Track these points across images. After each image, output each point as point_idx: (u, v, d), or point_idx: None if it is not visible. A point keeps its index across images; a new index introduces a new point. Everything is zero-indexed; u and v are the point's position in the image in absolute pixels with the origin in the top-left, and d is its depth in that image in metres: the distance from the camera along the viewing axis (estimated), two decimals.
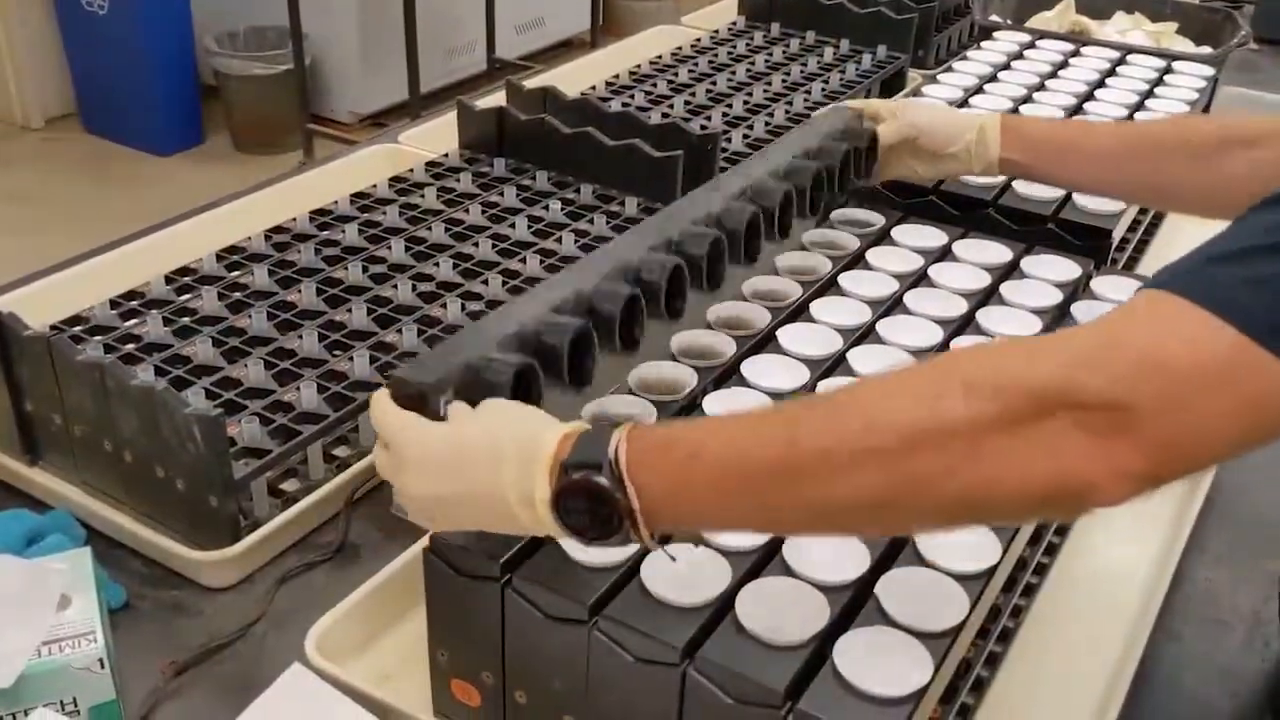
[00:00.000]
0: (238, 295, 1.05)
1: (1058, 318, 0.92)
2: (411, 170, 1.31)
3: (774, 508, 0.55)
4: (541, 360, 0.72)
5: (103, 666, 0.70)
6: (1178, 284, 0.53)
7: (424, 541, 0.81)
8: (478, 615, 0.67)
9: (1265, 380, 0.49)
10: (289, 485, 0.92)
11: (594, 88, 1.56)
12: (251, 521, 0.87)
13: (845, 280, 0.95)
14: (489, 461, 0.59)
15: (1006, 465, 0.51)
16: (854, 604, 0.64)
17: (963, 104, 1.33)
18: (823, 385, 0.82)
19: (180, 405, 0.81)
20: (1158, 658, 0.80)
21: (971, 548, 0.67)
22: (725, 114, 1.49)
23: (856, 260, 0.99)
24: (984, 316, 0.91)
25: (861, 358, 0.85)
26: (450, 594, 0.68)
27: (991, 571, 0.67)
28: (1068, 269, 0.98)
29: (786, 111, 1.50)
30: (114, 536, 0.88)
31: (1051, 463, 0.50)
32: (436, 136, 1.47)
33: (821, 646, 0.61)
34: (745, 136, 1.43)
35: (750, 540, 0.67)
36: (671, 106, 1.50)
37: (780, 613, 0.62)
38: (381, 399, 0.66)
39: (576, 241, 1.17)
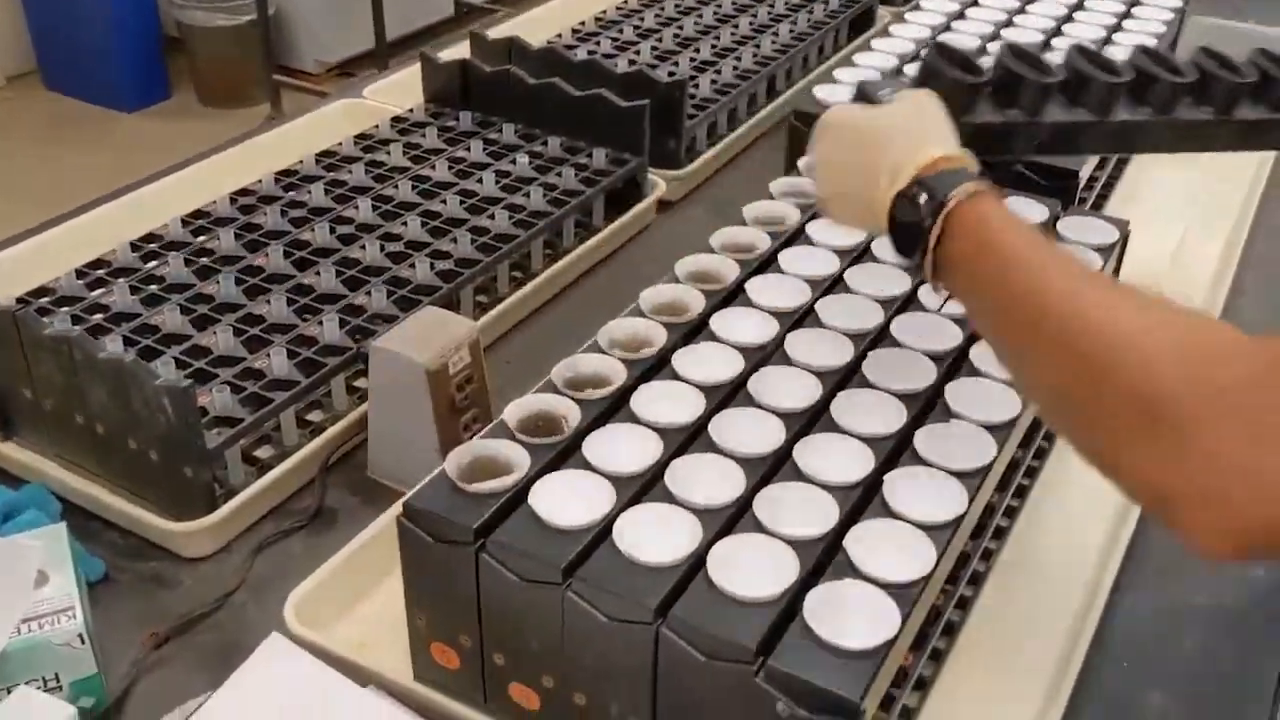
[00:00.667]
0: (205, 261, 1.04)
1: None
2: (377, 126, 1.30)
3: (1017, 346, 0.64)
4: None
5: (83, 642, 0.71)
6: None
7: (398, 507, 0.82)
8: (453, 580, 0.67)
9: None
10: (263, 452, 0.92)
11: (560, 35, 1.55)
12: (227, 490, 0.87)
13: (813, 229, 0.95)
14: (880, 140, 0.72)
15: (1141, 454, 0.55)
16: (824, 558, 0.65)
17: (929, 42, 1.31)
18: (791, 338, 0.82)
19: (150, 377, 0.81)
20: (1126, 586, 0.82)
21: (939, 499, 0.68)
22: (693, 59, 1.48)
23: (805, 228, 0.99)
24: None
25: (830, 308, 0.85)
26: (425, 560, 0.68)
27: (958, 521, 0.67)
28: (1036, 211, 0.98)
29: (754, 55, 1.49)
30: (91, 509, 0.88)
31: (1178, 468, 0.53)
32: (402, 89, 1.45)
33: (792, 601, 0.62)
34: (713, 82, 1.42)
35: (724, 496, 0.67)
36: (638, 53, 1.49)
37: (751, 569, 0.63)
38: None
39: (545, 196, 1.16)
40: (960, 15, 1.41)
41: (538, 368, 1.02)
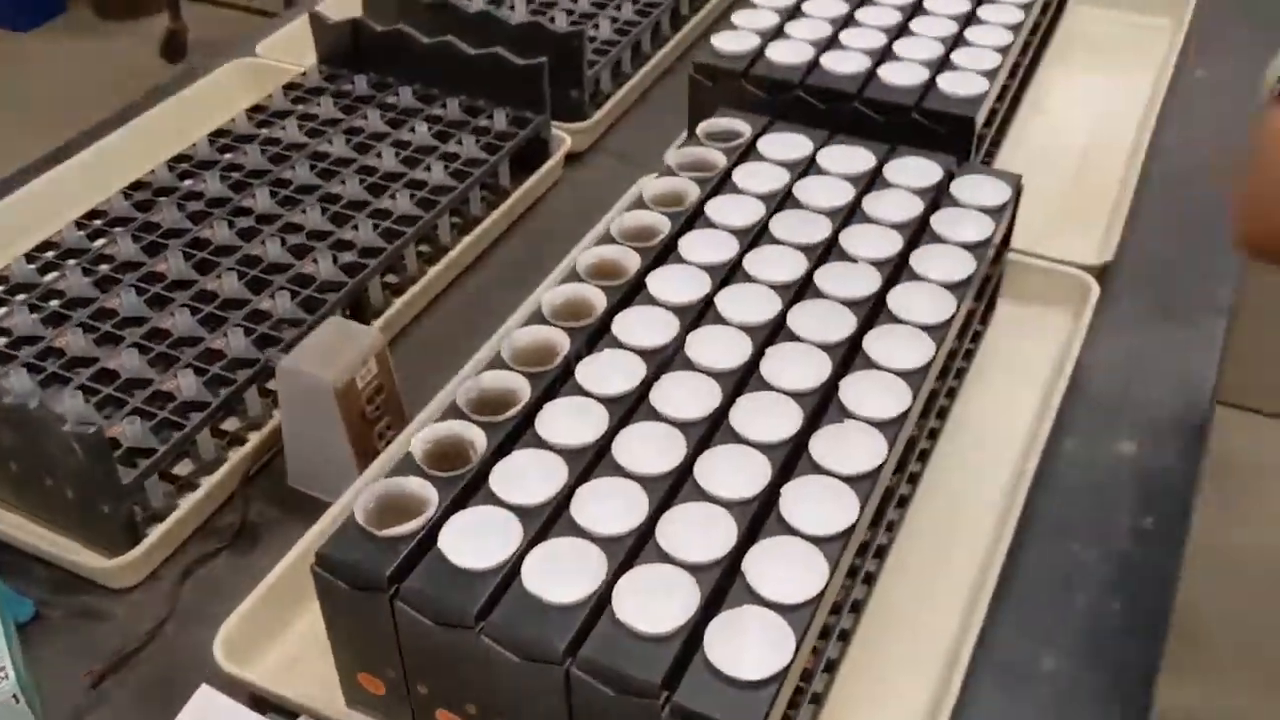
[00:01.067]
0: (104, 269, 1.03)
1: (918, 231, 0.94)
2: (270, 96, 1.27)
3: None
4: None
5: (18, 701, 0.73)
6: None
7: (319, 528, 0.84)
8: (371, 622, 0.70)
9: None
10: (181, 468, 0.93)
11: None
12: (149, 514, 0.88)
13: (712, 210, 0.95)
14: None
15: None
16: (724, 581, 0.68)
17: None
18: (692, 336, 0.83)
19: (58, 424, 0.81)
20: (1019, 550, 0.86)
21: (830, 513, 0.71)
22: None
23: (723, 182, 0.99)
24: (845, 238, 0.92)
25: (729, 300, 0.86)
26: (342, 605, 0.71)
27: (849, 532, 0.71)
28: (928, 172, 0.99)
29: None
30: (15, 545, 0.89)
31: None
32: (295, 44, 1.41)
33: (695, 631, 0.65)
34: (614, 21, 1.40)
35: (626, 523, 0.70)
36: None
37: (655, 601, 0.66)
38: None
39: (447, 168, 1.15)
40: None
41: (454, 348, 1.03)
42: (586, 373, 0.80)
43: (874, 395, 0.79)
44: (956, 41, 1.18)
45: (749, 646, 0.64)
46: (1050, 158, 1.28)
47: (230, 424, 0.96)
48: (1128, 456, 0.96)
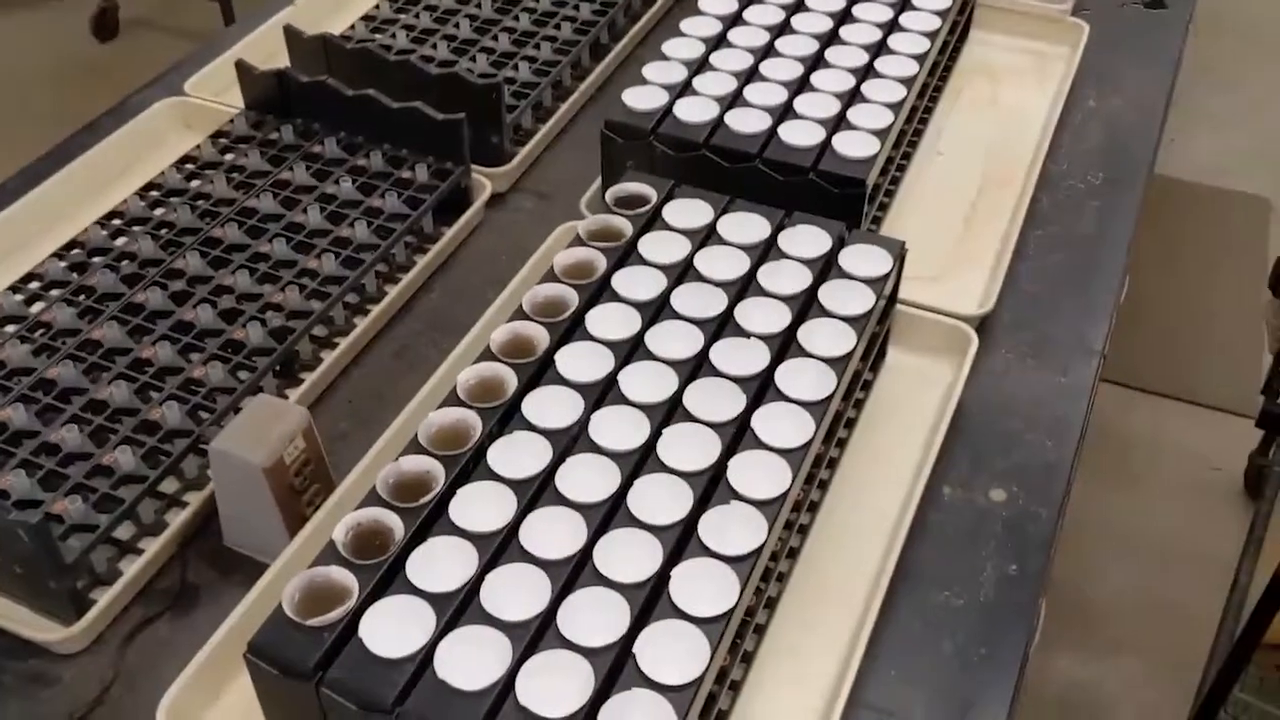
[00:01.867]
0: (40, 337, 1.08)
1: (806, 304, 1.01)
2: (199, 147, 1.31)
3: None
4: None
5: None
6: None
7: (251, 602, 0.91)
8: (301, 705, 0.77)
9: None
10: (121, 531, 0.99)
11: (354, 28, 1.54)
12: (91, 579, 0.95)
13: (618, 282, 1.02)
14: None
15: None
16: (618, 662, 0.76)
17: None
18: (597, 416, 0.91)
19: (3, 512, 0.87)
20: (894, 599, 0.95)
21: (714, 594, 0.79)
22: (510, 31, 1.50)
23: (628, 253, 1.06)
24: (739, 312, 1.00)
25: (630, 378, 0.94)
26: (274, 689, 0.78)
27: (730, 613, 0.79)
28: (819, 241, 1.06)
29: (572, 22, 1.51)
30: None
31: None
32: (223, 82, 1.45)
33: (590, 714, 0.73)
34: (532, 62, 1.45)
35: (530, 609, 0.78)
36: (457, 27, 1.50)
37: (555, 686, 0.74)
38: None
39: (370, 225, 1.21)
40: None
41: (382, 399, 1.10)
42: (497, 456, 0.88)
43: (758, 475, 0.87)
44: (853, 98, 1.25)
45: None
46: (944, 199, 1.36)
47: (169, 485, 1.02)
48: (997, 504, 1.05)
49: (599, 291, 1.02)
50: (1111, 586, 2.18)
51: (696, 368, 0.96)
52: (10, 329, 1.08)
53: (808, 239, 1.07)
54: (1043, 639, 1.03)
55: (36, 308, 1.11)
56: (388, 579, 0.80)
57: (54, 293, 1.12)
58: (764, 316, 1.00)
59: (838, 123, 1.22)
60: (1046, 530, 1.03)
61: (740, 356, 0.96)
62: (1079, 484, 1.04)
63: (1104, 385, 1.25)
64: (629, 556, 0.81)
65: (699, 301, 1.01)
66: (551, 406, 0.92)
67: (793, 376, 0.95)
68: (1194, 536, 2.27)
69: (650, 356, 0.96)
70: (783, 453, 0.89)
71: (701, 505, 0.86)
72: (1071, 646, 2.06)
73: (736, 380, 0.94)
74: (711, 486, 0.87)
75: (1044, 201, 1.37)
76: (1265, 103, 3.34)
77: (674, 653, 0.76)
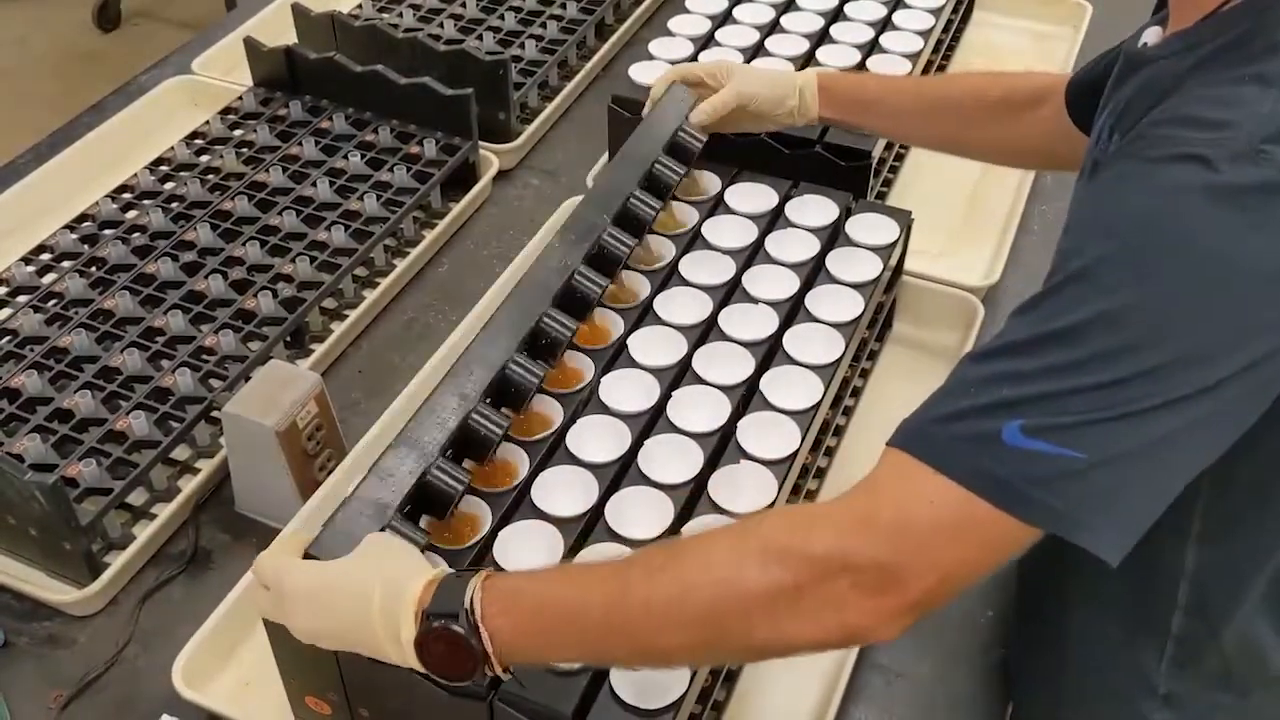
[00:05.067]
0: (54, 306, 1.09)
1: (814, 271, 1.02)
2: (208, 123, 1.32)
3: (607, 651, 0.67)
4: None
5: None
6: (913, 446, 0.61)
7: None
8: (313, 654, 0.78)
9: (993, 528, 0.59)
10: (135, 497, 1.00)
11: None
12: (105, 544, 0.95)
13: None
14: (359, 601, 0.68)
15: (798, 624, 0.61)
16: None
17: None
18: (608, 379, 0.91)
19: (19, 474, 0.88)
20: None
21: None
22: (516, 10, 1.51)
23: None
24: (748, 279, 1.00)
25: (640, 342, 0.94)
26: (286, 638, 0.78)
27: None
28: (826, 210, 1.07)
29: (577, 2, 1.52)
30: None
31: (836, 617, 0.61)
32: (230, 61, 1.46)
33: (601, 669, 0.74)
34: (539, 40, 1.46)
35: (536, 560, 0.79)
36: (464, 5, 1.51)
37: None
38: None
39: (380, 199, 1.21)
40: None
41: (392, 369, 1.11)
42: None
43: (768, 435, 0.88)
44: (859, 72, 1.26)
45: (649, 678, 0.73)
46: (949, 177, 1.37)
47: (181, 452, 1.03)
48: None
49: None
50: None
51: (705, 334, 0.96)
52: (23, 299, 1.09)
53: (815, 209, 1.08)
54: None
55: (49, 279, 1.12)
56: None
57: (65, 264, 1.12)
58: (772, 283, 1.00)
59: None
60: None
61: (749, 322, 0.96)
62: None
63: None
64: (640, 517, 0.82)
65: (708, 267, 1.01)
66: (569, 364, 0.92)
67: (802, 341, 0.95)
68: None
69: (660, 322, 0.97)
70: (792, 414, 0.90)
71: (711, 465, 0.86)
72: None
73: (746, 344, 0.95)
74: (721, 447, 0.88)
75: (1047, 178, 1.37)
76: None
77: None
